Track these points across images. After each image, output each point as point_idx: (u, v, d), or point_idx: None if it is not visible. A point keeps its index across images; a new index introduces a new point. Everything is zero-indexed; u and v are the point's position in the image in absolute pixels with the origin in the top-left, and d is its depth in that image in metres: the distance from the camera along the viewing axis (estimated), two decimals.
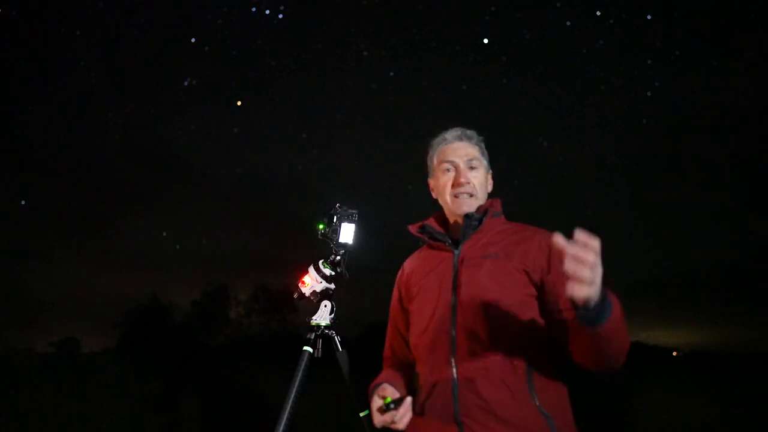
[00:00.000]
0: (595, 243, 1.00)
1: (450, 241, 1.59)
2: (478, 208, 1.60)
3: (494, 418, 1.32)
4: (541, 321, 1.44)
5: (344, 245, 1.86)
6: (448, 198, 1.61)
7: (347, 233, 1.86)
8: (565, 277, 1.37)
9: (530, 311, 1.43)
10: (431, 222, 1.66)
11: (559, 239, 1.04)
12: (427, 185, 1.75)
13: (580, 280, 1.02)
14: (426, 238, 1.65)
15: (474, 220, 1.56)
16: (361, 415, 1.79)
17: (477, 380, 1.37)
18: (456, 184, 1.59)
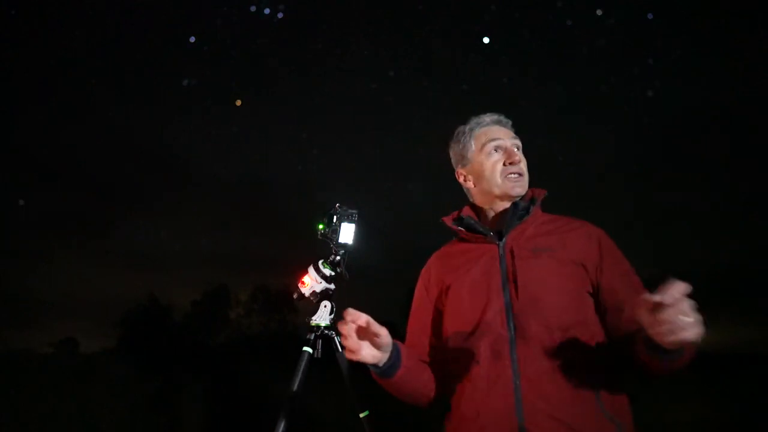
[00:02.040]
0: (685, 289, 0.96)
1: (492, 233, 1.47)
2: (524, 196, 1.51)
3: (559, 424, 1.23)
4: (597, 319, 1.36)
5: (344, 245, 1.86)
6: (498, 179, 1.49)
7: (347, 233, 1.86)
8: (625, 284, 1.37)
9: (589, 309, 1.36)
10: (467, 212, 1.56)
11: (649, 298, 0.99)
12: (455, 176, 1.64)
13: (682, 330, 0.97)
14: (463, 231, 1.52)
15: (521, 209, 1.47)
16: (361, 415, 1.79)
17: (542, 383, 1.27)
18: (510, 162, 1.49)
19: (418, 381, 1.44)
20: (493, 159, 1.51)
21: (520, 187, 1.49)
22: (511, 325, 1.33)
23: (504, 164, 1.49)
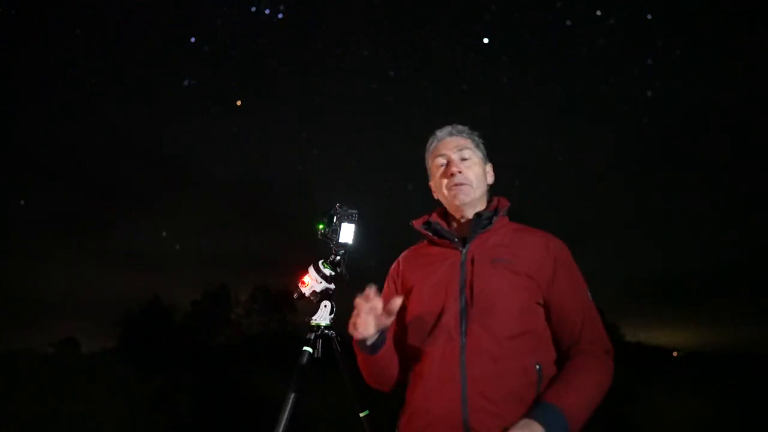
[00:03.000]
0: None
1: (456, 239, 1.54)
2: (489, 206, 1.57)
3: (500, 420, 1.29)
4: (545, 329, 1.45)
5: (344, 245, 1.86)
6: (445, 191, 1.57)
7: (347, 233, 1.86)
8: (573, 300, 1.46)
9: (538, 319, 1.44)
10: (435, 218, 1.61)
11: None
12: (429, 189, 1.71)
13: None
14: (430, 235, 1.59)
15: (484, 219, 1.53)
16: (361, 415, 1.79)
17: (488, 385, 1.33)
18: (449, 174, 1.55)
19: (392, 362, 1.54)
20: (439, 174, 1.60)
21: (462, 194, 1.55)
22: (464, 329, 1.40)
23: (446, 176, 1.57)
